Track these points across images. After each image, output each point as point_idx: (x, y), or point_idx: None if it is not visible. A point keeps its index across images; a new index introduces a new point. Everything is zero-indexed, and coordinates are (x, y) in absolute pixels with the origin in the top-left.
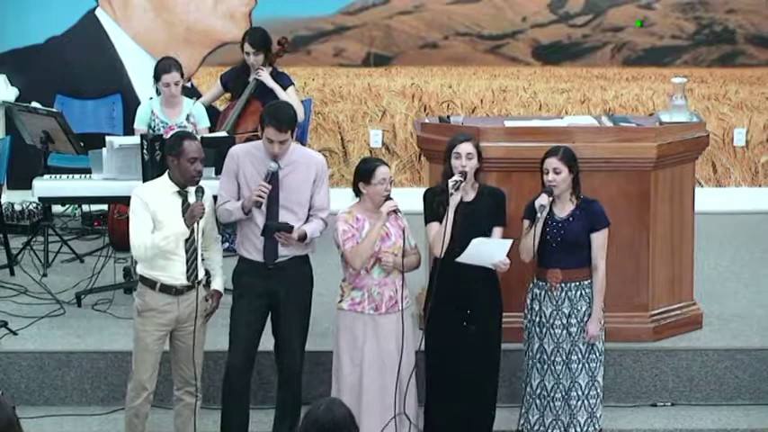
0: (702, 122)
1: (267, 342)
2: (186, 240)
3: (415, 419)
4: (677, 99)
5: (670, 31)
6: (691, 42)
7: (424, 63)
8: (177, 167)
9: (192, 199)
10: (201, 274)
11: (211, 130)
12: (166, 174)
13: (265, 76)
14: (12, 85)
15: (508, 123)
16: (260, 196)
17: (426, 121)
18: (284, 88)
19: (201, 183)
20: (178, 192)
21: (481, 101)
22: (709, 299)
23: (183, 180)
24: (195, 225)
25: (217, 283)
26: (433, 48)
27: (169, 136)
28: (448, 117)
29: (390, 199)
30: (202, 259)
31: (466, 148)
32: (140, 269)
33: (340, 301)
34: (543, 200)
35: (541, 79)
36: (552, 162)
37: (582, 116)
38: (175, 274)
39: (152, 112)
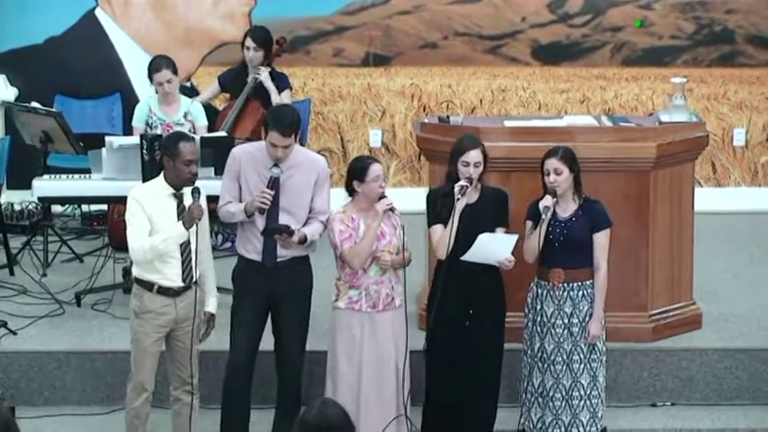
0: (702, 122)
1: (267, 342)
2: (181, 243)
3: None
4: (677, 99)
5: (669, 31)
6: (690, 42)
7: (424, 63)
8: (173, 169)
9: (188, 200)
10: (197, 275)
11: (210, 129)
12: (162, 175)
13: (265, 75)
14: (11, 85)
15: (508, 123)
16: (263, 203)
17: (426, 121)
18: (280, 91)
19: (200, 183)
20: (173, 194)
21: (481, 101)
22: (709, 299)
23: (178, 182)
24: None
25: (211, 305)
26: (432, 48)
27: (165, 136)
28: (447, 117)
29: (385, 197)
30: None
31: (475, 156)
32: (136, 272)
33: (336, 300)
34: (548, 201)
35: (541, 79)
36: (553, 163)
37: (581, 116)
38: (171, 275)
39: (149, 109)
